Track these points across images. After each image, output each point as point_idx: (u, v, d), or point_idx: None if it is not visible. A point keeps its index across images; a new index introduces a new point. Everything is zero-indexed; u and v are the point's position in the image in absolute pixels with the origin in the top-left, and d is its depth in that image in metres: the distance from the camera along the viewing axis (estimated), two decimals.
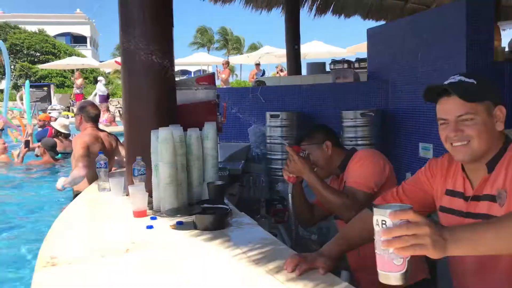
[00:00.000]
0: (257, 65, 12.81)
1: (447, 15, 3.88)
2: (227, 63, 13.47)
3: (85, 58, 30.28)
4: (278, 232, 3.12)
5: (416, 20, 4.52)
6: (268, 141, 4.96)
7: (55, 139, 6.59)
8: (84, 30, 50.99)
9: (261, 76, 12.25)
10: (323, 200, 2.27)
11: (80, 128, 4.10)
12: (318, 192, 2.21)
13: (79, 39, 50.79)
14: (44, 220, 4.29)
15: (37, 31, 39.85)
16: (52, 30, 45.07)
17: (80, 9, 53.61)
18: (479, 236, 1.09)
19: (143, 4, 2.64)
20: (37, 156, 6.60)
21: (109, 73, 36.69)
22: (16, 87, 33.06)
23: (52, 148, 6.37)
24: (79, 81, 17.99)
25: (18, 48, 37.07)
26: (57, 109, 13.10)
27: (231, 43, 49.84)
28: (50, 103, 16.88)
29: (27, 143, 6.97)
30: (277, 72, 13.40)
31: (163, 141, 2.27)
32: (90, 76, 34.44)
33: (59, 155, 6.58)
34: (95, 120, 4.12)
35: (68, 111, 16.40)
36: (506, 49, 5.86)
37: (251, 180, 4.45)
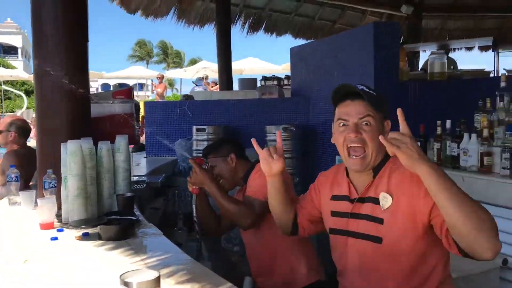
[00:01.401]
0: (205, 78, 12.68)
1: (358, 37, 4.17)
2: (162, 77, 13.41)
3: (14, 70, 29.01)
4: (198, 243, 3.19)
5: (334, 40, 4.80)
6: (194, 155, 5.04)
7: None
8: (15, 40, 48.85)
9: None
10: (223, 210, 2.38)
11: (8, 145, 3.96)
12: (218, 202, 2.33)
13: (10, 50, 48.59)
14: None
15: None
16: None
17: (10, 18, 51.41)
18: (443, 179, 1.38)
19: (57, 19, 2.67)
20: None
21: None
22: None
23: None
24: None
25: None
26: None
27: (171, 57, 49.55)
28: None
29: None
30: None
31: (71, 154, 2.30)
32: (22, 88, 33.04)
33: None
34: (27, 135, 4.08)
35: None
36: (420, 69, 6.31)
37: (176, 194, 4.50)
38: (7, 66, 34.70)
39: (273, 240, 2.31)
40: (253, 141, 1.87)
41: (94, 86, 55.40)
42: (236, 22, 8.57)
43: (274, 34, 9.38)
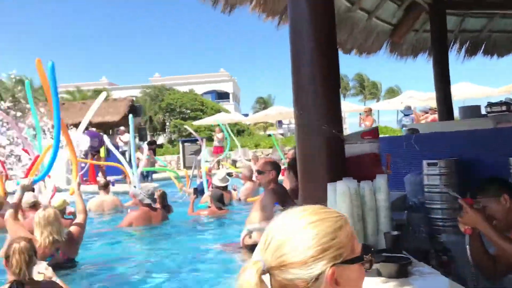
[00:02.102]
0: (408, 108, 12.48)
1: None
2: (370, 110, 13.47)
3: (234, 114, 32.67)
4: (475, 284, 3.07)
5: None
6: (426, 190, 4.89)
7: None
8: (227, 87, 55.23)
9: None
10: (501, 253, 2.25)
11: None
12: (496, 244, 2.21)
13: (223, 95, 55.03)
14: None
15: (188, 91, 44.33)
16: (200, 89, 49.71)
17: (223, 68, 58.48)
18: None
19: (313, 69, 2.96)
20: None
21: (249, 125, 38.98)
22: (171, 142, 36.89)
23: (219, 199, 7.01)
24: (219, 135, 19.42)
25: (172, 107, 41.43)
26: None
27: (367, 89, 49.64)
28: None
29: (195, 191, 7.81)
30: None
31: (341, 194, 2.48)
32: (234, 128, 37.03)
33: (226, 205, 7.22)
34: None
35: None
36: None
37: (410, 230, 4.43)
38: (222, 111, 39.44)
39: None
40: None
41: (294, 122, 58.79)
42: (452, 47, 8.18)
43: (495, 56, 8.65)
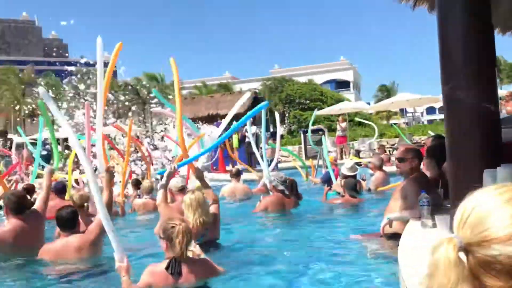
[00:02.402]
0: None
1: None
2: (511, 94, 12.24)
3: (357, 103, 31.95)
4: None
5: None
6: None
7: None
8: (347, 76, 54.25)
9: None
10: None
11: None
12: None
13: (343, 84, 54.17)
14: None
15: (307, 81, 44.36)
16: (319, 79, 49.53)
17: (343, 56, 57.46)
18: None
19: (466, 50, 2.78)
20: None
21: (371, 114, 37.83)
22: (291, 133, 37.34)
23: (353, 188, 6.97)
24: (343, 125, 19.07)
25: (292, 98, 41.82)
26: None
27: (504, 73, 45.23)
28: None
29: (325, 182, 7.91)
30: None
31: (503, 181, 2.30)
32: (355, 118, 36.21)
33: (360, 194, 7.16)
34: None
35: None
36: None
37: None
38: (343, 100, 38.80)
39: None
40: None
41: (419, 110, 55.91)
42: None
43: None
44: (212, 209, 4.84)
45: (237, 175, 8.90)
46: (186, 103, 20.78)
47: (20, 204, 4.81)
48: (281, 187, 6.69)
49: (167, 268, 3.31)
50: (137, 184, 8.67)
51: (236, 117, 18.81)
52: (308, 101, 41.04)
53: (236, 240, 5.48)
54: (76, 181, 8.98)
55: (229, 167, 15.45)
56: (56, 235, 4.90)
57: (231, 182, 8.95)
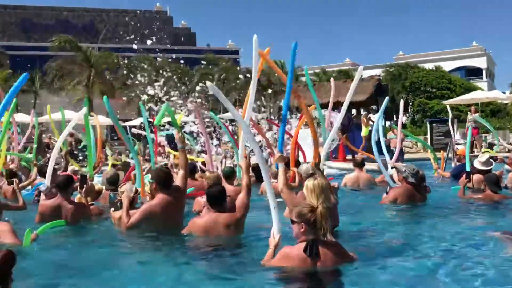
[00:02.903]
0: None
1: None
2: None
3: (491, 92, 29.28)
4: None
5: None
6: None
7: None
8: (480, 62, 49.98)
9: None
10: None
11: None
12: None
13: (474, 72, 50.07)
14: None
15: (434, 68, 41.74)
16: (447, 66, 46.29)
17: (476, 41, 52.93)
18: None
19: None
20: None
21: (506, 104, 34.39)
22: (414, 122, 35.50)
23: (495, 182, 6.44)
24: (475, 115, 17.58)
25: (416, 86, 39.72)
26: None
27: None
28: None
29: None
30: None
31: None
32: (486, 109, 33.26)
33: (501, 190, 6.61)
34: None
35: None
36: None
37: None
38: (473, 88, 35.82)
39: None
40: None
41: None
42: None
43: None
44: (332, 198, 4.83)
45: (361, 164, 8.71)
46: (305, 90, 20.74)
47: (168, 180, 5.19)
48: (411, 179, 6.38)
49: (305, 250, 3.35)
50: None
51: (357, 104, 18.33)
52: (434, 89, 38.70)
53: (359, 229, 5.40)
54: (203, 163, 9.50)
55: (349, 156, 15.22)
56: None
57: (354, 171, 8.78)
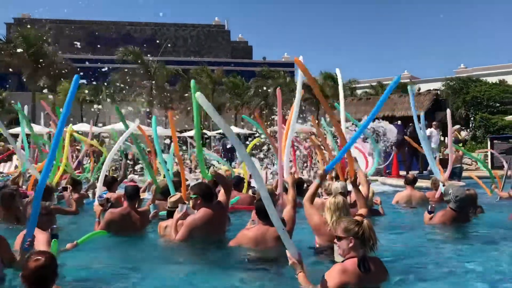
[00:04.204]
0: None
1: None
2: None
3: None
4: None
5: None
6: None
7: None
8: None
9: None
10: None
11: None
12: None
13: None
14: None
15: (497, 82, 39.93)
16: None
17: None
18: None
19: None
20: None
21: None
22: (475, 139, 34.02)
23: None
24: None
25: (478, 100, 38.15)
26: None
27: None
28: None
29: None
30: None
31: None
32: None
33: None
34: None
35: None
36: None
37: None
38: None
39: None
40: None
41: None
42: None
43: None
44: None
45: (413, 182, 8.53)
46: (360, 104, 20.52)
47: (210, 194, 5.34)
48: (452, 206, 6.02)
49: (359, 266, 3.38)
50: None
51: (407, 118, 17.81)
52: (498, 104, 36.94)
53: (402, 249, 5.32)
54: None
55: (402, 172, 14.91)
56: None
57: (405, 188, 8.62)
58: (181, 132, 29.45)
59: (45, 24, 46.15)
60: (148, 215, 6.11)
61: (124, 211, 5.90)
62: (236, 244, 4.88)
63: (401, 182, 12.72)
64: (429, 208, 6.44)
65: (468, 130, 36.47)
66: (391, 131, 13.76)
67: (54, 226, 4.73)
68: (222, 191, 5.53)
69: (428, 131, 16.81)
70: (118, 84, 35.98)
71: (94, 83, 34.54)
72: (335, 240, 3.60)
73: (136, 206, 6.09)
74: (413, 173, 14.26)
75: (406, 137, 12.23)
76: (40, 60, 33.15)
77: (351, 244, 3.44)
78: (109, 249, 5.42)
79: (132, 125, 7.85)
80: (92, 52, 46.01)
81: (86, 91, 34.61)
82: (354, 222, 3.52)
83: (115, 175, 9.49)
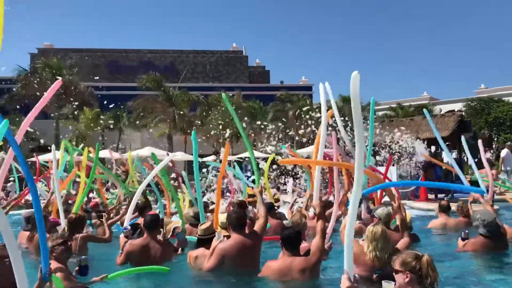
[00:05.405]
0: None
1: None
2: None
3: None
4: None
5: None
6: None
7: None
8: None
9: None
10: None
11: None
12: None
13: None
14: None
15: None
16: None
17: None
18: None
19: None
20: None
21: None
22: (498, 159, 33.31)
23: None
24: None
25: (501, 120, 37.59)
26: None
27: None
28: None
29: None
30: None
31: None
32: None
33: None
34: None
35: None
36: None
37: None
38: None
39: None
40: None
41: None
42: None
43: None
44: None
45: (447, 209, 8.24)
46: (382, 126, 20.31)
47: (239, 221, 5.22)
48: (481, 231, 5.81)
49: None
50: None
51: (432, 140, 17.55)
52: None
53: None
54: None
55: (431, 195, 14.59)
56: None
57: (439, 216, 8.35)
58: (202, 157, 29.53)
59: (67, 53, 47.31)
60: (170, 246, 5.94)
61: (144, 242, 5.66)
62: (263, 275, 4.75)
63: (429, 205, 12.46)
64: (462, 235, 6.25)
65: (491, 151, 35.82)
66: (420, 154, 13.51)
67: (83, 257, 4.60)
68: (259, 224, 5.37)
69: (503, 152, 16.59)
70: (138, 110, 36.41)
71: (114, 108, 35.15)
72: (394, 273, 3.45)
73: (161, 236, 5.85)
74: (442, 196, 13.98)
75: (433, 159, 11.97)
76: (64, 89, 33.81)
77: (407, 279, 3.27)
78: (131, 281, 5.22)
79: (171, 155, 7.92)
80: (113, 80, 46.83)
81: (103, 117, 34.95)
82: (413, 256, 3.33)
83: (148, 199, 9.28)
